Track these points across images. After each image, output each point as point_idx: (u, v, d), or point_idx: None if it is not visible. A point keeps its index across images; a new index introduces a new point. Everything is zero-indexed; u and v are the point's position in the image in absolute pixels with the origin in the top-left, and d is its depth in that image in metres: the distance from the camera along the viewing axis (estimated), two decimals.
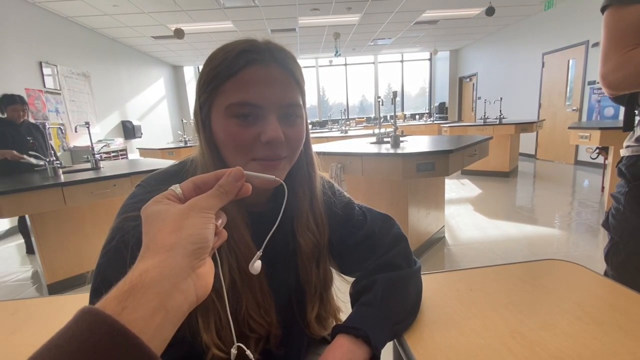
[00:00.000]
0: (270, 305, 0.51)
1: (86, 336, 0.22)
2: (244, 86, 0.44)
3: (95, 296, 0.43)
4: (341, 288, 0.65)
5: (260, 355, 0.51)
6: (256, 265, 0.40)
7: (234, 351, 0.38)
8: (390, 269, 0.56)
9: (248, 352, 0.38)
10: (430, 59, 10.12)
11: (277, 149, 0.46)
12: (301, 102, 0.48)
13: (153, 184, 0.49)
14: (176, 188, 0.33)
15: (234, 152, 0.46)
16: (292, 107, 0.47)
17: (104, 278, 0.42)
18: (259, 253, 0.40)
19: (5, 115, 2.68)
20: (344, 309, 0.64)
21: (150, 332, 0.24)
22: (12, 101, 2.68)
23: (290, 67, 0.46)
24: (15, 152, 2.47)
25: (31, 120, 3.22)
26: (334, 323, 0.61)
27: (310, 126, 0.59)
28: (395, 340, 0.53)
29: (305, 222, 0.54)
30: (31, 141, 2.38)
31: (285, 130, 0.46)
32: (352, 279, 0.63)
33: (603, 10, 0.73)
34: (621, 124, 0.87)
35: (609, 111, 4.86)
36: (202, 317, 0.46)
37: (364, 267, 0.59)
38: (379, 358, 0.49)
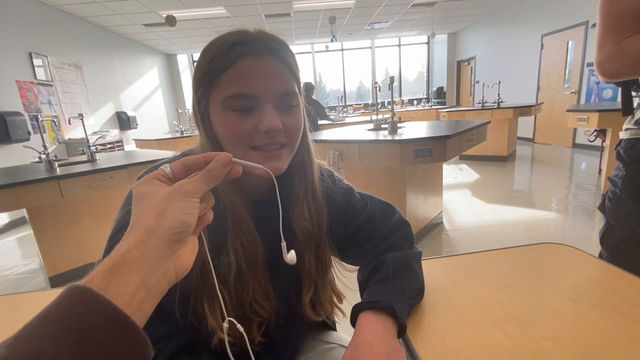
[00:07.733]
0: (270, 290, 0.53)
1: (82, 314, 0.23)
2: (239, 78, 0.45)
3: None
4: (344, 274, 0.64)
5: (262, 337, 0.53)
6: (290, 256, 0.42)
7: (225, 325, 0.38)
8: (395, 251, 0.57)
9: (239, 326, 0.38)
10: (428, 43, 9.96)
11: (276, 137, 0.47)
12: (297, 90, 0.49)
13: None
14: (166, 167, 0.33)
15: (232, 144, 0.47)
16: (288, 96, 0.48)
17: None
18: (284, 244, 0.43)
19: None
20: (347, 296, 0.65)
21: (134, 306, 0.26)
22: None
23: (284, 56, 0.47)
24: None
25: None
26: (330, 309, 0.61)
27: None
28: None
29: (300, 210, 0.55)
30: None
31: (283, 119, 0.47)
32: (349, 265, 0.63)
33: None
34: (620, 106, 0.86)
35: (608, 93, 4.82)
36: (208, 303, 0.48)
37: (364, 251, 0.59)
38: (406, 328, 0.47)
